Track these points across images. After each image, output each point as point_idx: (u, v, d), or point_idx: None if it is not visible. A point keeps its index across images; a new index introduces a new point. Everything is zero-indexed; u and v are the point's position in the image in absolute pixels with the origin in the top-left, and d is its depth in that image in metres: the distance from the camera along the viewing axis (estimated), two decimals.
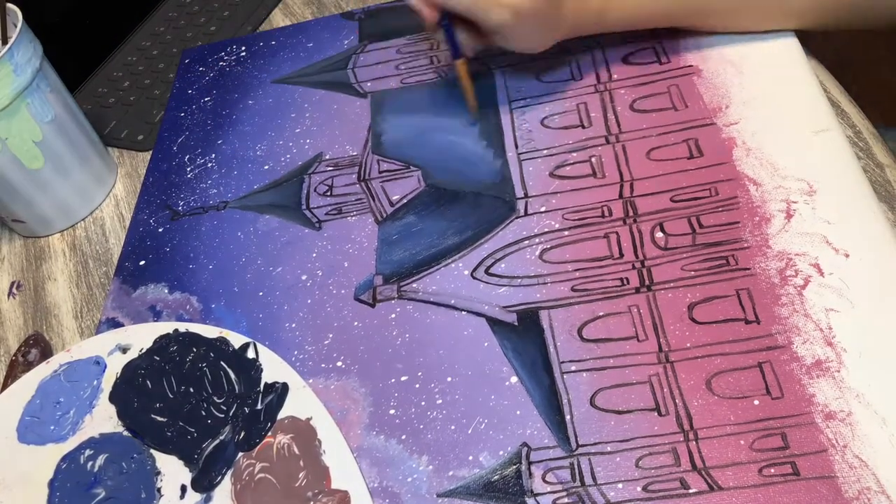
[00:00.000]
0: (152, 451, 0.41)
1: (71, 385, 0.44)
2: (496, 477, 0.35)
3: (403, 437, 0.38)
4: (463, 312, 0.42)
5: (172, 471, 0.40)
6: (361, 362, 0.41)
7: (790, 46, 0.46)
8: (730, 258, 0.39)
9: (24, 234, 0.59)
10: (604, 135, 0.47)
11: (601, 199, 0.44)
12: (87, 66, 0.73)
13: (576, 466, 0.35)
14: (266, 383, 0.41)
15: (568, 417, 0.36)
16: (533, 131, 0.49)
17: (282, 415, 0.40)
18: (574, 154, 0.46)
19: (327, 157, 0.53)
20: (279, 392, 0.41)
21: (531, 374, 0.38)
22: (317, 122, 0.56)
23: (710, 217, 0.41)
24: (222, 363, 0.43)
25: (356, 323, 0.43)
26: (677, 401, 0.35)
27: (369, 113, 0.55)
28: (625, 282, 0.40)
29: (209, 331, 0.44)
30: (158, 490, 0.39)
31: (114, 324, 0.48)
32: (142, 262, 0.51)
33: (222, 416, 0.41)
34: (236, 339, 0.43)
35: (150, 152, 0.60)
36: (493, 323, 0.41)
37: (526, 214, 0.45)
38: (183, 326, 0.45)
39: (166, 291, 0.49)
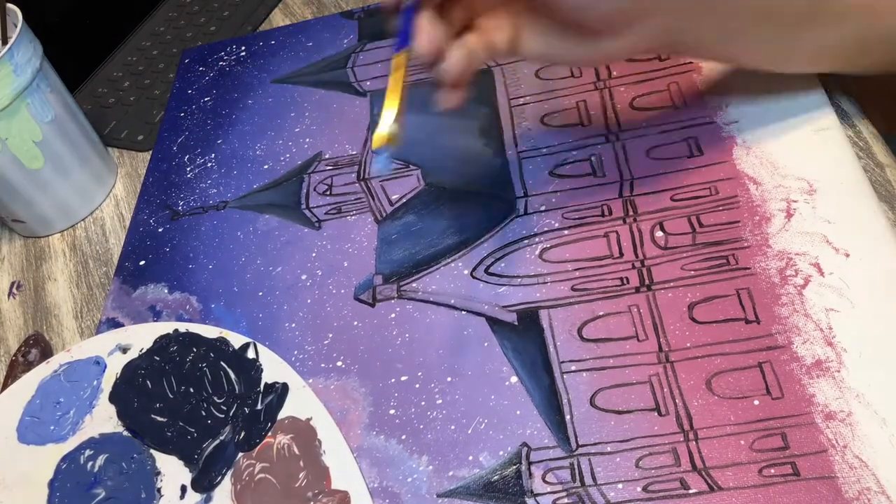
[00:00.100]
0: (152, 451, 0.41)
1: (71, 385, 0.44)
2: (496, 477, 0.35)
3: (403, 437, 0.38)
4: (463, 312, 0.41)
5: (172, 471, 0.40)
6: (361, 362, 0.41)
7: None
8: (730, 257, 0.39)
9: (24, 234, 0.59)
10: (604, 133, 0.47)
11: (601, 198, 0.44)
12: (87, 66, 0.73)
13: (576, 466, 0.35)
14: (266, 383, 0.41)
15: (568, 417, 0.36)
16: (532, 129, 0.48)
17: (282, 415, 0.40)
18: (574, 152, 0.46)
19: (327, 156, 0.53)
20: (279, 392, 0.41)
21: (531, 373, 0.38)
22: (316, 121, 0.56)
23: (710, 216, 0.41)
24: (222, 363, 0.43)
25: (356, 323, 0.43)
26: (677, 401, 0.35)
27: (369, 112, 0.55)
28: (625, 281, 0.40)
29: (209, 331, 0.44)
30: (158, 490, 0.39)
31: (114, 324, 0.48)
32: (142, 262, 0.51)
33: (222, 416, 0.41)
34: (236, 339, 0.43)
35: (150, 152, 0.60)
36: (493, 322, 0.41)
37: (525, 213, 0.45)
38: (183, 326, 0.45)
39: (166, 291, 0.49)
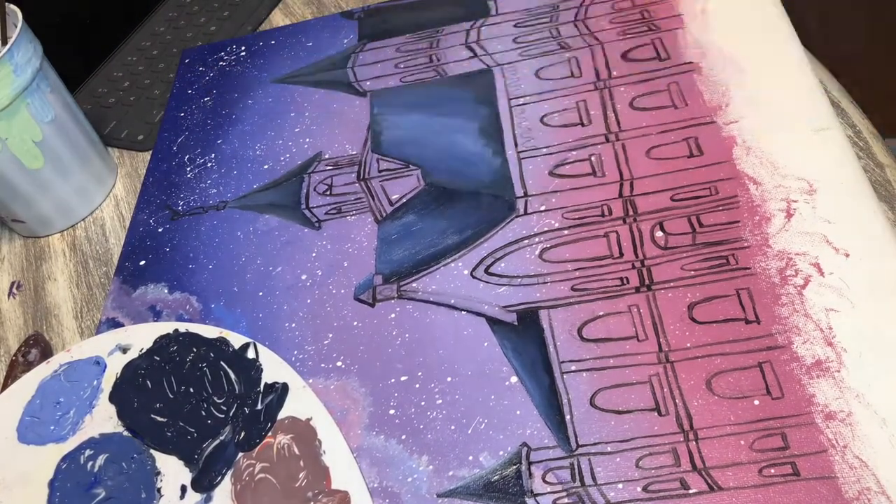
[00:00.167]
0: (152, 451, 0.41)
1: (71, 385, 0.44)
2: (496, 477, 0.35)
3: (403, 437, 0.38)
4: (463, 312, 0.41)
5: (172, 471, 0.40)
6: (361, 362, 0.41)
7: (791, 46, 0.46)
8: (730, 257, 0.39)
9: (24, 234, 0.59)
10: (603, 133, 0.47)
11: (601, 198, 0.44)
12: (87, 66, 0.73)
13: (576, 466, 0.35)
14: (266, 383, 0.41)
15: (568, 417, 0.36)
16: (532, 129, 0.48)
17: (282, 415, 0.40)
18: (574, 152, 0.46)
19: (327, 156, 0.53)
20: (279, 392, 0.41)
21: (531, 373, 0.38)
22: (316, 121, 0.56)
23: (710, 216, 0.41)
24: (222, 363, 0.43)
25: (356, 323, 0.43)
26: (677, 401, 0.35)
27: (369, 112, 0.55)
28: (625, 281, 0.40)
29: (209, 331, 0.44)
30: (158, 490, 0.39)
31: (114, 324, 0.48)
32: (142, 262, 0.51)
33: (222, 416, 0.41)
34: (236, 340, 0.43)
35: (150, 152, 0.60)
36: (493, 323, 0.41)
37: (525, 213, 0.45)
38: (183, 326, 0.45)
39: (166, 291, 0.49)
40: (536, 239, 0.43)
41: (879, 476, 0.31)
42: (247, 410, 0.41)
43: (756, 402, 0.34)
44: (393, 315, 0.43)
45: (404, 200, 0.48)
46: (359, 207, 0.49)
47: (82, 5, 0.73)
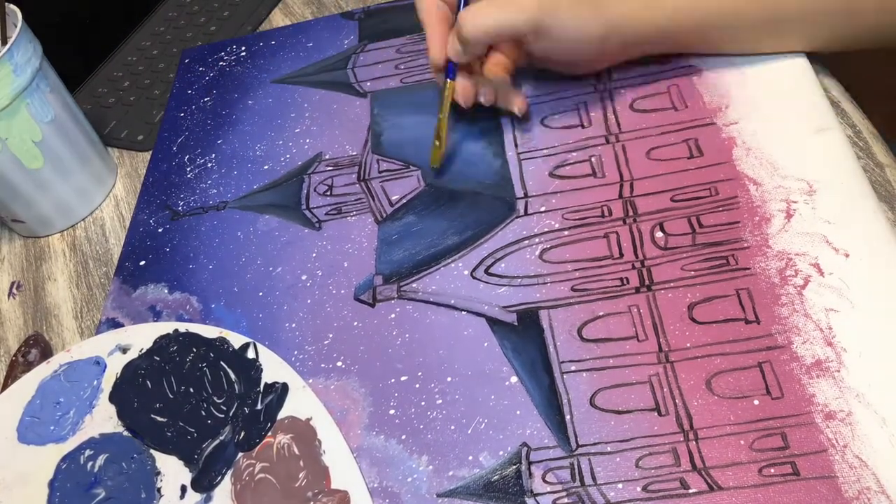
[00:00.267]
0: (152, 451, 0.41)
1: (71, 385, 0.44)
2: (496, 477, 0.35)
3: (403, 437, 0.38)
4: (463, 312, 0.42)
5: (172, 471, 0.40)
6: (361, 362, 0.41)
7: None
8: (730, 258, 0.39)
9: (24, 234, 0.59)
10: (603, 134, 0.47)
11: (601, 199, 0.44)
12: (87, 66, 0.73)
13: (576, 466, 0.35)
14: (266, 383, 0.41)
15: (568, 417, 0.36)
16: (532, 131, 0.49)
17: (282, 415, 0.40)
18: (574, 154, 0.46)
19: (327, 156, 0.53)
20: (279, 392, 0.41)
21: (531, 374, 0.38)
22: (316, 121, 0.56)
23: (710, 217, 0.41)
24: (222, 363, 0.43)
25: (356, 323, 0.43)
26: (677, 401, 0.35)
27: (369, 113, 0.55)
28: (625, 281, 0.40)
29: (209, 331, 0.44)
30: (158, 490, 0.39)
31: (114, 324, 0.48)
32: (142, 262, 0.51)
33: (222, 416, 0.41)
34: (236, 339, 0.43)
35: (150, 152, 0.60)
36: (493, 323, 0.41)
37: (526, 214, 0.45)
38: (183, 326, 0.45)
39: (166, 291, 0.49)
40: (536, 239, 0.43)
41: (879, 476, 0.31)
42: (247, 410, 0.41)
43: (756, 402, 0.34)
44: (393, 315, 0.43)
45: (404, 201, 0.48)
46: (359, 208, 0.49)
47: (82, 5, 0.73)
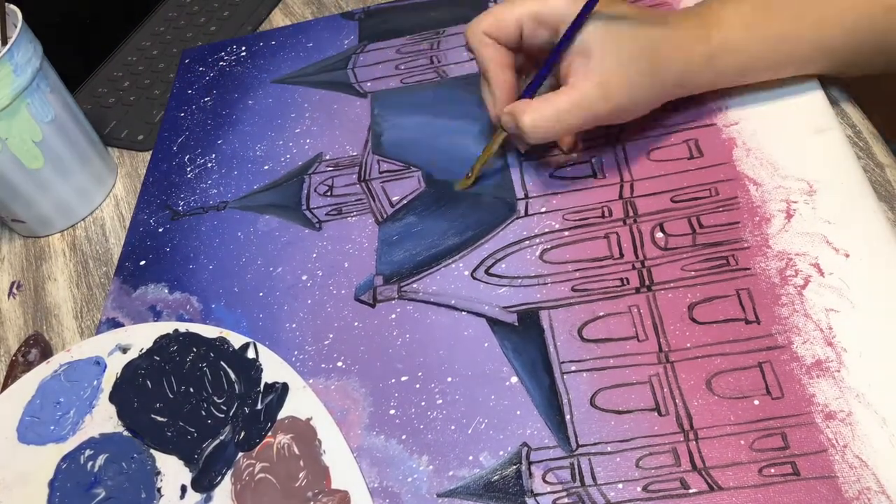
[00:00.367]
0: (152, 451, 0.41)
1: (71, 385, 0.44)
2: (496, 477, 0.35)
3: (403, 437, 0.38)
4: (463, 313, 0.42)
5: (172, 471, 0.40)
6: (361, 362, 0.41)
7: None
8: (730, 258, 0.39)
9: (24, 234, 0.59)
10: (604, 135, 0.47)
11: (601, 200, 0.44)
12: (87, 66, 0.73)
13: (576, 466, 0.35)
14: (266, 383, 0.41)
15: (568, 417, 0.36)
16: None
17: (282, 415, 0.40)
18: (574, 154, 0.46)
19: (327, 157, 0.53)
20: (279, 392, 0.41)
21: (531, 374, 0.38)
22: (317, 122, 0.56)
23: (711, 217, 0.41)
24: (222, 363, 0.43)
25: (356, 323, 0.43)
26: (677, 401, 0.35)
27: (369, 113, 0.55)
28: (625, 282, 0.40)
29: (209, 331, 0.44)
30: (158, 490, 0.39)
31: (114, 324, 0.48)
32: (142, 262, 0.51)
33: (222, 416, 0.41)
34: (236, 339, 0.43)
35: (150, 152, 0.60)
36: (494, 323, 0.41)
37: (526, 215, 0.45)
38: (183, 326, 0.45)
39: (166, 291, 0.49)
40: (537, 240, 0.43)
41: (879, 476, 0.31)
42: (247, 410, 0.41)
43: (756, 402, 0.34)
44: (393, 315, 0.43)
45: (405, 202, 0.48)
46: (359, 208, 0.49)
47: (82, 5, 0.73)
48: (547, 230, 0.43)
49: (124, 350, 0.45)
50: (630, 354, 0.37)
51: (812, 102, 0.43)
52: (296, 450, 0.38)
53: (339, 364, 0.42)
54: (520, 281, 0.42)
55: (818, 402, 0.34)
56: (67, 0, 0.71)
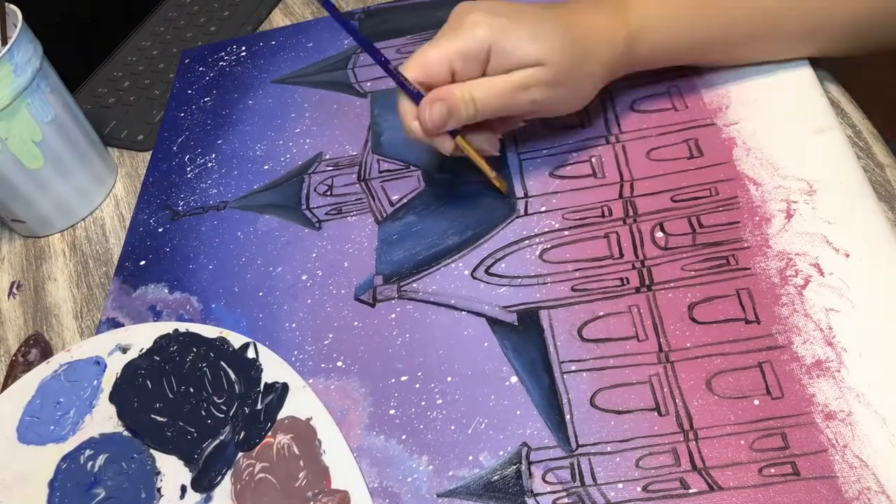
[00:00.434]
0: (152, 451, 0.41)
1: (71, 385, 0.44)
2: (496, 477, 0.35)
3: (403, 437, 0.38)
4: (463, 312, 0.42)
5: (172, 471, 0.40)
6: (361, 362, 0.41)
7: None
8: (730, 258, 0.39)
9: (24, 234, 0.59)
10: (604, 135, 0.47)
11: (601, 199, 0.44)
12: (87, 66, 0.73)
13: (576, 466, 0.35)
14: (266, 383, 0.41)
15: (568, 417, 0.36)
16: (533, 130, 0.48)
17: (282, 415, 0.40)
18: (574, 154, 0.46)
19: (327, 156, 0.53)
20: (279, 392, 0.41)
21: (531, 374, 0.38)
22: (317, 121, 0.56)
23: (711, 217, 0.41)
24: (222, 363, 0.43)
25: (356, 323, 0.43)
26: (677, 401, 0.35)
27: (369, 113, 0.55)
28: (625, 281, 0.40)
29: (209, 331, 0.44)
30: (158, 490, 0.39)
31: (114, 324, 0.48)
32: (142, 262, 0.51)
33: (222, 416, 0.41)
34: (236, 339, 0.43)
35: (150, 152, 0.60)
36: (493, 323, 0.41)
37: (526, 214, 0.45)
38: (183, 326, 0.45)
39: (166, 291, 0.49)
40: (537, 239, 0.43)
41: (879, 476, 0.31)
42: (247, 410, 0.41)
43: (756, 402, 0.34)
44: (393, 315, 0.43)
45: (405, 201, 0.48)
46: (359, 208, 0.49)
47: (82, 5, 0.73)
48: (547, 230, 0.43)
49: (124, 350, 0.45)
50: (630, 354, 0.37)
51: (812, 102, 0.43)
52: (296, 450, 0.38)
53: (339, 364, 0.42)
54: (520, 280, 0.42)
55: (818, 402, 0.34)
56: (67, 0, 0.71)
